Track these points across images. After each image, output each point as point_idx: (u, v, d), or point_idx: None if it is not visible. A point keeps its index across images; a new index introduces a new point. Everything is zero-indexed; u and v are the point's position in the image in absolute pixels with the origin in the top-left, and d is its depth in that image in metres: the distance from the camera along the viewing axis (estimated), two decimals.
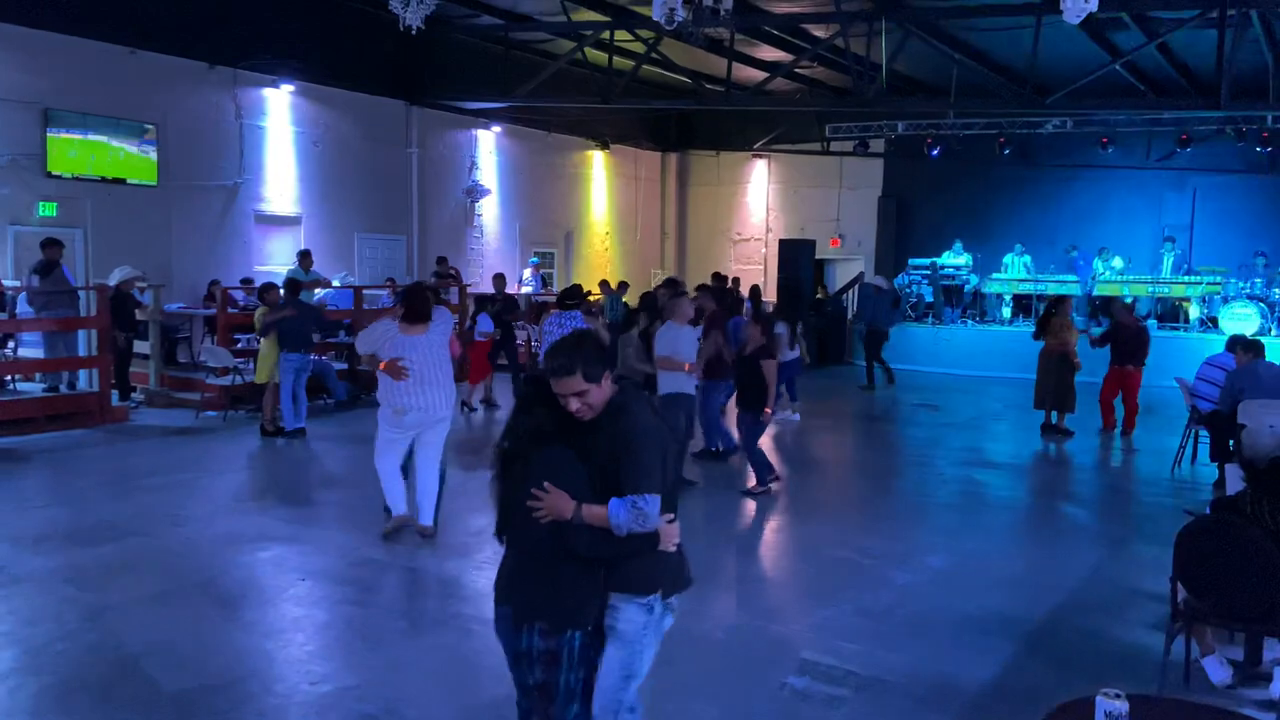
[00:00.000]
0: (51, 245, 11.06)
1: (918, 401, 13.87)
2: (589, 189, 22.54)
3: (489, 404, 12.19)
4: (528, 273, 19.19)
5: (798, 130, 21.47)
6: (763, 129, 22.01)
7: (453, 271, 16.61)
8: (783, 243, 19.82)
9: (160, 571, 5.90)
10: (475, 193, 19.30)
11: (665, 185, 24.84)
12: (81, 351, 11.00)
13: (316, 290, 14.09)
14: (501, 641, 3.08)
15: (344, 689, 4.38)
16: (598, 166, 22.62)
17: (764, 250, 23.29)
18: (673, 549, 3.08)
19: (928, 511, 8.02)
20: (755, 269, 22.93)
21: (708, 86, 17.61)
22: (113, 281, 11.51)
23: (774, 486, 8.16)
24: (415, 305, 6.48)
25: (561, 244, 21.88)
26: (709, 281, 15.59)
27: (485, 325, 12.07)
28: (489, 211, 19.85)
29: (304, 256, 14.32)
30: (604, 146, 22.26)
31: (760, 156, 23.43)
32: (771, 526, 7.50)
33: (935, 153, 19.60)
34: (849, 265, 21.97)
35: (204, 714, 4.07)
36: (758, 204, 24.07)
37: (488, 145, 19.58)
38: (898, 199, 21.80)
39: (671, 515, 3.03)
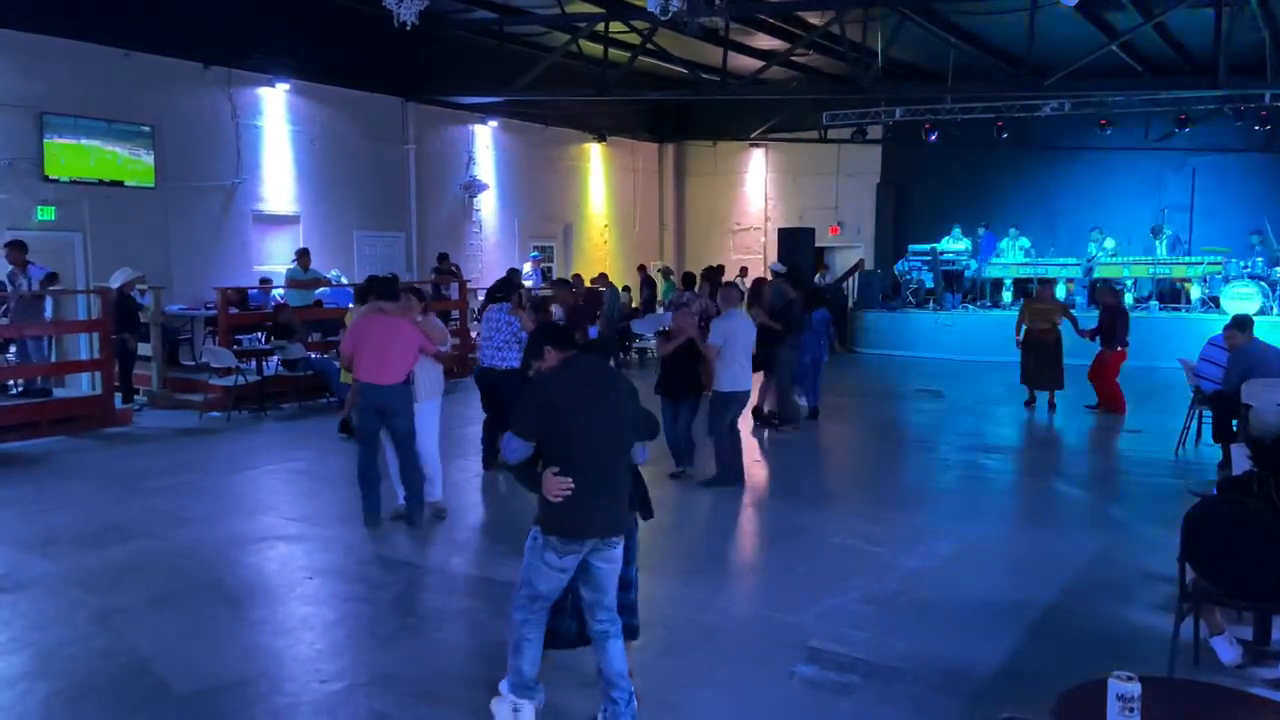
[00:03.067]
0: (13, 248, 10.79)
1: (920, 387, 13.86)
2: (587, 182, 22.50)
3: None
4: (528, 266, 19.17)
5: (795, 119, 21.41)
6: (760, 118, 21.94)
7: (453, 268, 16.59)
8: (782, 231, 19.79)
9: (168, 573, 5.91)
10: (473, 188, 19.26)
11: (663, 176, 24.80)
12: (84, 355, 10.99)
13: (316, 289, 14.09)
14: None
15: (355, 686, 4.38)
16: (595, 159, 22.57)
17: (763, 239, 23.26)
18: (552, 498, 3.70)
19: (932, 497, 8.02)
20: (755, 258, 22.90)
21: (704, 76, 17.54)
22: (114, 284, 11.49)
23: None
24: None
25: (561, 237, 21.85)
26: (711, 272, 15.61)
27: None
28: (488, 206, 19.81)
29: (302, 255, 14.29)
30: (601, 139, 22.21)
31: (758, 146, 23.37)
32: (775, 515, 7.50)
33: (933, 138, 19.55)
34: (849, 253, 21.94)
35: (214, 714, 4.08)
36: (756, 193, 24.02)
37: (485, 140, 19.53)
38: (896, 185, 21.76)
39: (555, 469, 3.70)
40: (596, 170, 22.67)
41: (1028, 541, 6.71)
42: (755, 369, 9.87)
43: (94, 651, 4.76)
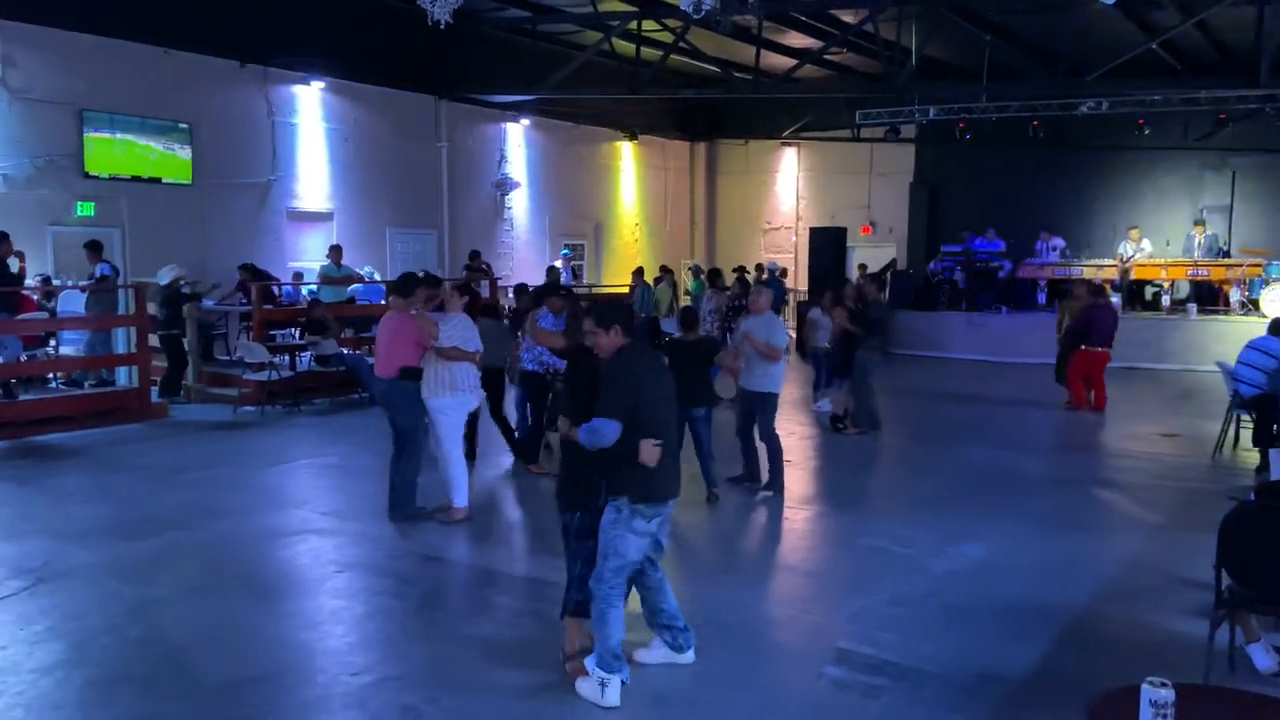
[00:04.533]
0: (89, 248, 11.32)
1: (952, 389, 13.74)
2: (618, 180, 22.54)
3: None
4: (559, 264, 19.22)
5: (827, 117, 21.33)
6: (792, 117, 21.87)
7: (484, 266, 16.67)
8: (814, 230, 19.70)
9: (201, 565, 5.99)
10: (505, 186, 19.35)
11: (694, 175, 24.78)
12: (120, 349, 11.18)
13: (349, 285, 14.21)
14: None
15: (385, 680, 4.42)
16: (626, 157, 22.60)
17: (794, 239, 23.17)
18: (652, 465, 4.11)
19: (963, 499, 7.94)
20: (785, 257, 22.83)
21: (736, 75, 17.51)
22: (164, 281, 11.67)
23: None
24: (477, 300, 7.05)
25: (591, 235, 21.90)
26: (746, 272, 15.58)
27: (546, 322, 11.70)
28: (519, 204, 19.90)
29: (335, 252, 14.43)
30: (632, 137, 22.23)
31: (789, 144, 23.29)
32: (803, 516, 7.46)
33: (968, 137, 19.36)
34: (881, 252, 21.80)
35: (246, 706, 4.13)
36: (787, 192, 23.94)
37: (517, 138, 19.62)
38: (930, 184, 21.59)
39: (655, 441, 4.10)
40: (628, 168, 22.69)
41: (1060, 545, 6.62)
42: (835, 372, 9.92)
43: (129, 641, 4.84)
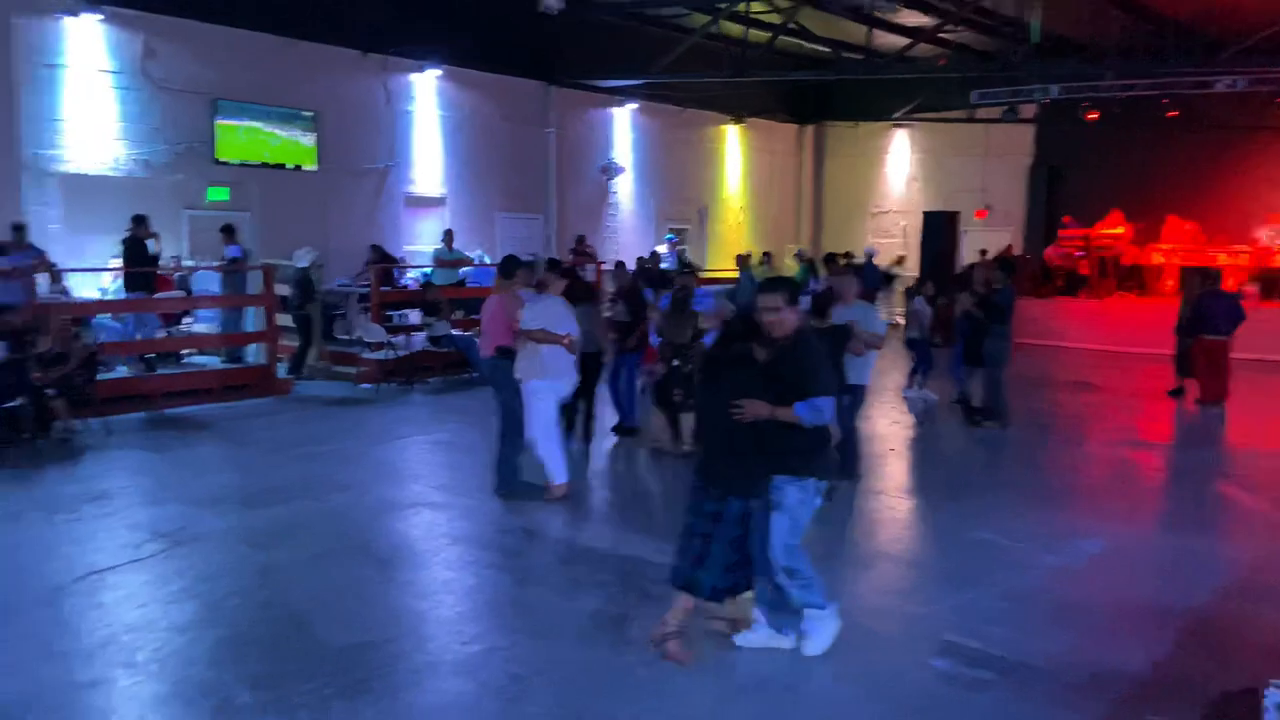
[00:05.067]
0: (224, 231, 12.01)
1: (1070, 379, 13.25)
2: (723, 164, 22.42)
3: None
4: (663, 248, 19.28)
5: (941, 97, 20.67)
6: (904, 97, 21.32)
7: (589, 250, 16.86)
8: (926, 215, 19.20)
9: (323, 534, 6.28)
10: (611, 170, 19.49)
11: (801, 158, 24.45)
12: (251, 327, 11.77)
13: (460, 268, 14.58)
14: (695, 506, 4.42)
15: (493, 650, 4.57)
16: (732, 141, 22.45)
17: (903, 223, 22.64)
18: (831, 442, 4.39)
19: (1078, 493, 7.68)
20: (894, 242, 22.33)
21: (846, 55, 17.16)
22: (301, 264, 12.22)
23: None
24: (576, 286, 7.11)
25: (696, 219, 21.87)
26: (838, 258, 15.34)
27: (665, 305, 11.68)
28: (624, 189, 20.02)
29: (448, 236, 14.83)
30: (738, 120, 22.07)
31: (901, 126, 22.73)
32: (908, 506, 7.35)
33: (1091, 117, 18.51)
34: (996, 236, 21.10)
35: (364, 669, 4.33)
36: (898, 175, 23.39)
37: (623, 123, 19.72)
38: (1049, 167, 20.75)
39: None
40: (733, 152, 22.55)
41: (1181, 543, 6.35)
42: (968, 361, 9.64)
43: (256, 603, 5.12)
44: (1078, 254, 17.57)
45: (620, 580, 5.50)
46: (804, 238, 24.00)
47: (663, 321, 8.48)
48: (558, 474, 6.99)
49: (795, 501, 4.27)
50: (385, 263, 13.66)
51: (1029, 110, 20.08)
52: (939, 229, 18.25)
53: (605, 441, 8.99)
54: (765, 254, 17.29)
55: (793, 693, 4.18)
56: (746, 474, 4.28)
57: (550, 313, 6.73)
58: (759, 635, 4.51)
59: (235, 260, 12.02)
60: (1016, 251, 19.78)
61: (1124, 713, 4.02)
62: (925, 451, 9.34)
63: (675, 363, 8.11)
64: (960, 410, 10.13)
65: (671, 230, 20.48)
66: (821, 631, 4.45)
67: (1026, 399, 12.10)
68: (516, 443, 7.05)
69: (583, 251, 16.60)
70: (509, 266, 7.23)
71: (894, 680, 4.33)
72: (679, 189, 21.15)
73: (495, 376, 7.06)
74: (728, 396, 4.17)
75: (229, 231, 12.20)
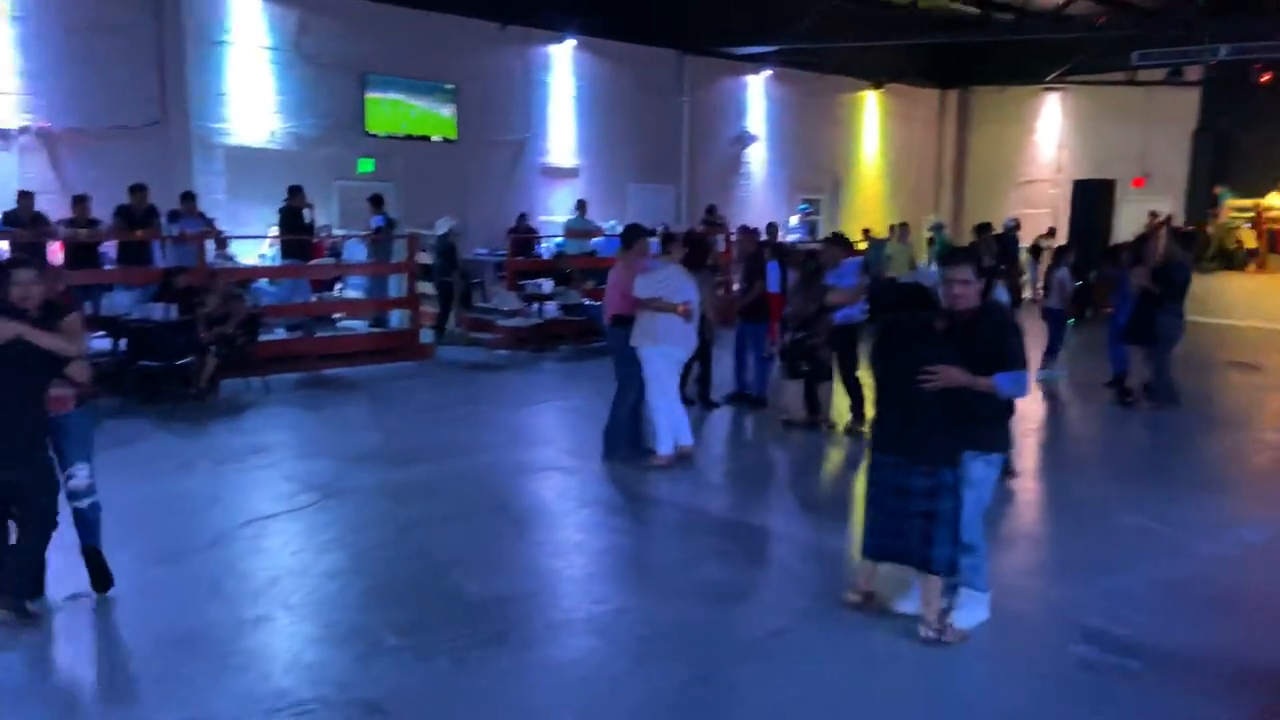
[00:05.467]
0: (371, 201, 12.56)
1: (1233, 359, 12.42)
2: (860, 132, 21.87)
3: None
4: (795, 219, 19.02)
5: (1098, 59, 19.50)
6: (1057, 59, 20.20)
7: (720, 220, 16.79)
8: (1077, 184, 18.24)
9: (461, 492, 6.53)
10: (743, 140, 19.30)
11: (943, 125, 23.59)
12: (395, 293, 12.27)
13: (592, 238, 14.77)
14: (878, 481, 4.32)
15: (622, 610, 4.67)
16: (870, 108, 21.87)
17: (1052, 192, 21.57)
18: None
19: (1240, 479, 7.22)
20: (1042, 213, 21.32)
21: (996, 16, 16.41)
22: (440, 231, 12.67)
23: None
24: (696, 254, 7.18)
25: (830, 190, 21.45)
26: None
27: (773, 275, 11.60)
28: (756, 158, 19.80)
29: (581, 206, 15.03)
30: (877, 86, 21.45)
31: (1053, 90, 21.61)
32: (1054, 487, 7.06)
33: (1265, 80, 17.09)
34: (1155, 207, 19.86)
35: (500, 621, 4.50)
36: (1048, 142, 22.30)
37: (757, 91, 19.47)
38: (1216, 133, 19.34)
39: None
40: (871, 120, 21.96)
41: None
42: (1131, 340, 9.08)
43: (399, 555, 5.38)
44: (1239, 225, 16.32)
45: (743, 549, 5.53)
46: (944, 209, 23.21)
47: (792, 292, 8.39)
48: (668, 441, 7.04)
49: (980, 477, 4.22)
50: (527, 233, 13.98)
51: (1195, 72, 18.73)
52: (1092, 198, 17.29)
53: (726, 410, 8.99)
54: (902, 225, 16.78)
55: (924, 669, 4.11)
56: (939, 444, 4.18)
57: (667, 281, 6.79)
58: (914, 602, 4.43)
59: (379, 230, 12.53)
60: (1176, 223, 18.58)
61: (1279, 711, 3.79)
62: (1072, 432, 8.94)
63: (800, 334, 8.01)
64: (1114, 391, 9.62)
65: (805, 201, 20.15)
66: (972, 613, 4.38)
67: (1186, 379, 11.41)
68: (627, 409, 7.15)
69: (713, 222, 16.53)
70: (629, 236, 7.33)
71: (1032, 663, 4.20)
72: (812, 158, 20.77)
73: (612, 343, 7.21)
74: (917, 366, 4.08)
75: (376, 202, 12.74)
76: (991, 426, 4.25)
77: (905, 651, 4.22)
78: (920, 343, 4.17)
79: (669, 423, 7.02)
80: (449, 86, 14.76)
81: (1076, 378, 10.73)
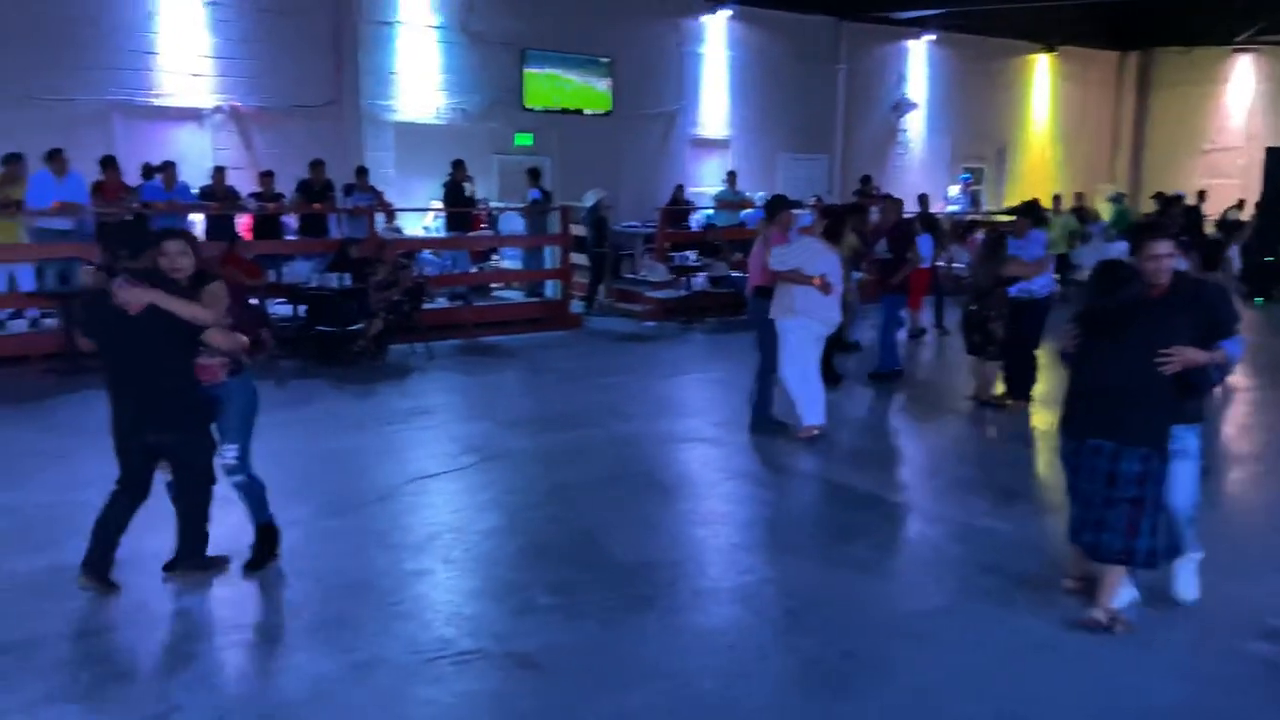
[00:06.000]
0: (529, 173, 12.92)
1: None
2: (1028, 97, 20.81)
3: (923, 331, 11.66)
4: (955, 189, 18.32)
5: None
6: (1249, 18, 18.58)
7: (876, 191, 16.36)
8: (1270, 151, 16.78)
9: (609, 459, 6.70)
10: (902, 107, 18.71)
11: (1121, 89, 22.14)
12: (549, 265, 12.60)
13: (741, 210, 14.70)
14: (1082, 468, 4.11)
15: (767, 581, 4.71)
16: (1040, 72, 20.75)
17: (1242, 162, 19.93)
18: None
19: None
20: (1230, 184, 19.74)
21: None
22: (589, 203, 12.93)
23: None
24: (838, 226, 7.18)
25: (993, 158, 20.54)
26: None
27: (926, 248, 11.26)
28: (915, 127, 19.16)
29: (731, 177, 14.96)
30: (1049, 49, 20.32)
31: (1245, 51, 19.90)
32: (1228, 477, 6.62)
33: None
34: None
35: (648, 585, 4.62)
36: (1238, 107, 20.59)
37: (918, 56, 18.81)
38: None
39: None
40: (1041, 84, 20.85)
41: None
42: None
43: (550, 517, 5.58)
44: None
45: (892, 526, 5.49)
46: (1120, 177, 21.82)
47: (974, 263, 8.20)
48: (808, 414, 7.01)
49: (1193, 446, 4.20)
50: (683, 205, 14.05)
51: None
52: None
53: (874, 385, 8.85)
54: (1076, 195, 15.93)
55: (1085, 659, 3.97)
56: (1158, 425, 4.02)
57: (804, 253, 6.83)
58: (1128, 593, 4.24)
59: (535, 202, 12.86)
60: None
61: None
62: (1246, 421, 8.34)
63: (974, 307, 7.78)
64: None
65: (966, 170, 19.38)
66: (1194, 577, 4.41)
67: None
68: (770, 381, 7.17)
69: (868, 193, 16.13)
70: (772, 207, 7.37)
71: (1204, 658, 4.00)
72: (975, 125, 19.91)
73: (753, 315, 7.26)
74: (1138, 347, 3.93)
75: (534, 175, 13.07)
76: (1200, 397, 4.23)
77: (1066, 640, 4.09)
78: (1146, 324, 3.98)
79: (805, 396, 7.00)
80: (604, 60, 14.94)
81: (1260, 360, 9.97)
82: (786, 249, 6.86)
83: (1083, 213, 15.45)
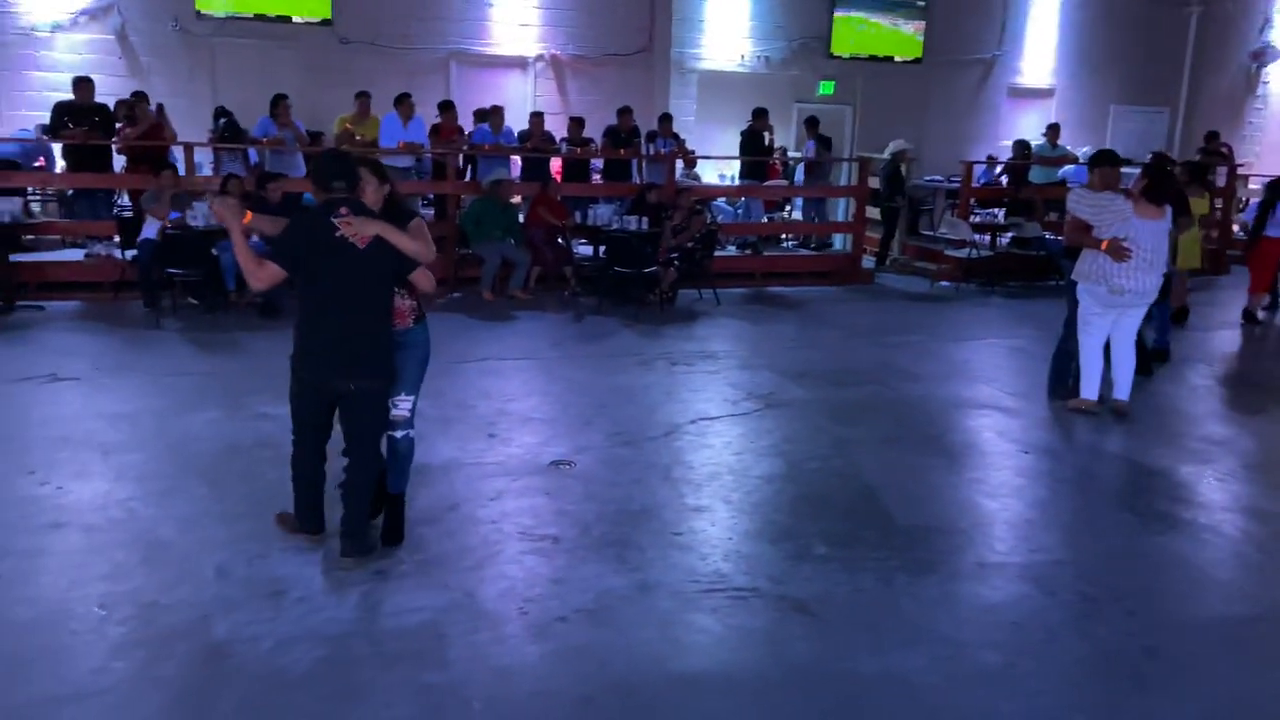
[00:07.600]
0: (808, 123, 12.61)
1: None
2: None
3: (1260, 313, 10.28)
4: None
5: None
6: None
7: (1223, 149, 14.47)
8: None
9: (895, 418, 6.53)
10: (1265, 56, 16.33)
11: None
12: (840, 217, 12.36)
13: (1061, 166, 13.56)
14: None
15: (1062, 563, 4.41)
16: None
17: None
18: None
19: None
20: None
21: None
22: (888, 154, 12.54)
23: None
24: (1158, 186, 6.28)
25: None
26: None
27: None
28: (1278, 80, 16.67)
29: (1052, 130, 13.79)
30: None
31: None
32: None
33: None
34: None
35: (927, 550, 4.48)
36: None
37: None
38: None
39: None
40: None
41: None
42: None
43: (831, 471, 5.54)
44: None
45: (1210, 522, 4.93)
46: None
47: None
48: (1084, 387, 6.59)
49: None
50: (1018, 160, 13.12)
51: None
52: None
53: (1199, 364, 7.95)
54: None
55: (1180, 662, 3.40)
56: None
57: (1104, 213, 6.27)
58: None
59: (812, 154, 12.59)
60: None
61: None
62: None
63: None
64: None
65: None
66: None
67: None
68: (1064, 349, 6.81)
69: (1214, 150, 14.30)
70: (1093, 162, 6.78)
71: None
72: None
73: (1066, 276, 6.84)
74: None
75: (811, 124, 12.75)
76: None
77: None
78: None
79: (1084, 366, 6.60)
80: (920, 2, 14.22)
81: None
82: (1081, 198, 6.39)
83: None
